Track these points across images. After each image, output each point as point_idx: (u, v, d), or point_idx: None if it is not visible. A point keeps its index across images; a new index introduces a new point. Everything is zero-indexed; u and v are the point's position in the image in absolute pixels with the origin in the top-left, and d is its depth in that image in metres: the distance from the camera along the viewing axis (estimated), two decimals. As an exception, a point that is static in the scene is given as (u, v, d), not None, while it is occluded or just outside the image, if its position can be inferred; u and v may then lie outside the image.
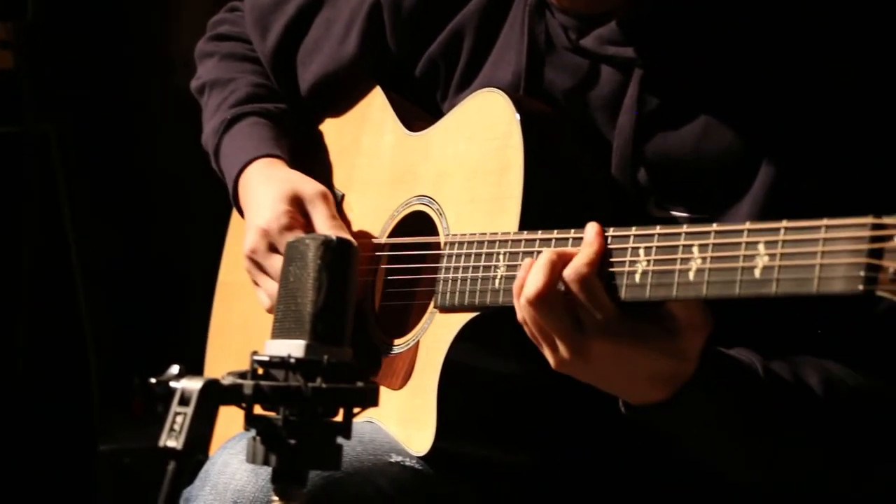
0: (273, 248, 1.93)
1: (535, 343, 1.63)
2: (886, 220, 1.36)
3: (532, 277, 1.60)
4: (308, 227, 1.94)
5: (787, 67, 1.71)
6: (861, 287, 1.37)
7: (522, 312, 1.62)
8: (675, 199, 1.76)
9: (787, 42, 1.72)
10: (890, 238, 1.35)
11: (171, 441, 1.40)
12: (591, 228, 1.62)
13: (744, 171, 1.70)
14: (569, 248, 1.63)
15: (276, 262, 1.91)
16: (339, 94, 2.07)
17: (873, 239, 1.37)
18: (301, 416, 1.43)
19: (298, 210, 1.95)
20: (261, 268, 1.95)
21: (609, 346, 1.59)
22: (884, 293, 1.35)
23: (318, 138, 2.12)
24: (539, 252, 1.67)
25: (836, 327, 1.66)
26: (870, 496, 1.71)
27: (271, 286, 1.94)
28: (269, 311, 1.97)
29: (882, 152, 1.65)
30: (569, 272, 1.59)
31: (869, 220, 1.38)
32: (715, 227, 1.51)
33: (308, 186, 1.97)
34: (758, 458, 1.66)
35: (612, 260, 1.59)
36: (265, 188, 1.98)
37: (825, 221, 1.41)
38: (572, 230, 1.66)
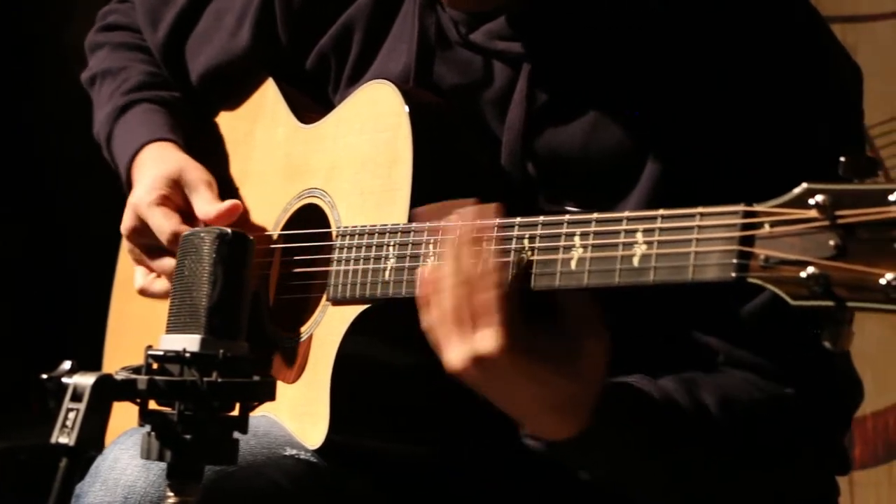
0: (143, 224, 1.92)
1: (434, 346, 1.60)
2: (758, 208, 1.38)
3: (429, 277, 1.58)
4: (185, 211, 1.93)
5: (671, 64, 1.73)
6: (733, 274, 1.39)
7: (421, 312, 1.59)
8: (565, 194, 1.77)
9: (670, 39, 1.74)
10: (761, 226, 1.37)
11: (64, 437, 1.40)
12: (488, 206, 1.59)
13: (631, 166, 1.72)
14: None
15: (141, 237, 1.91)
16: (231, 87, 2.07)
17: (745, 227, 1.39)
18: (196, 411, 1.43)
19: (177, 192, 1.94)
20: (134, 245, 1.95)
21: (506, 358, 1.55)
22: (755, 280, 1.37)
23: (212, 130, 2.11)
24: (427, 242, 1.68)
25: (720, 318, 1.68)
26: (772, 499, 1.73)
27: (147, 264, 1.93)
28: (141, 291, 1.96)
29: (759, 145, 1.67)
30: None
31: (741, 207, 1.40)
32: (595, 215, 1.53)
33: (195, 173, 1.96)
34: (658, 483, 1.66)
35: (500, 248, 1.58)
36: (153, 169, 1.97)
37: (699, 210, 1.43)
38: (461, 222, 1.66)
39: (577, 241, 1.54)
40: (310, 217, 1.92)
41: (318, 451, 1.81)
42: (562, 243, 1.55)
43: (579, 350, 1.56)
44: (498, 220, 1.61)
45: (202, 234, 1.49)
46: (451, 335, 1.57)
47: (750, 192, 1.42)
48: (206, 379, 1.42)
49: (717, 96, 1.70)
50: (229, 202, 1.95)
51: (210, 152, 2.07)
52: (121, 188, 2.06)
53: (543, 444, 1.62)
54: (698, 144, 1.70)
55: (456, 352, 1.57)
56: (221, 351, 1.43)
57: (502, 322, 1.54)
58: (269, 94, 2.03)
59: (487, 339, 1.55)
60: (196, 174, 1.96)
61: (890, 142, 2.66)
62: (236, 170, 2.06)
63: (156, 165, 1.97)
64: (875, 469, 2.69)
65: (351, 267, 1.79)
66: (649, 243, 1.47)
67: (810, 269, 1.33)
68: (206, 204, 1.94)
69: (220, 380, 1.42)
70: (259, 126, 2.04)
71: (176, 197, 1.94)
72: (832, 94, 1.72)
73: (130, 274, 2.19)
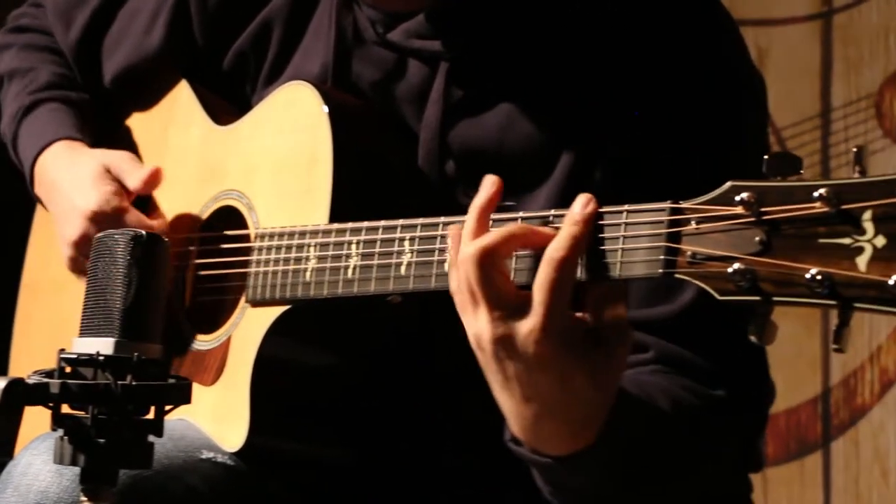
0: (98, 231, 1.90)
1: (459, 308, 1.47)
2: (684, 205, 1.40)
3: (482, 235, 1.47)
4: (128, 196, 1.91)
5: (584, 62, 1.74)
6: (660, 270, 1.40)
7: (454, 269, 1.47)
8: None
9: (584, 38, 1.75)
10: (688, 222, 1.38)
11: (-27, 443, 1.37)
12: (585, 204, 1.47)
13: (545, 160, 1.73)
14: (539, 230, 1.47)
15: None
16: (145, 88, 2.04)
17: (672, 223, 1.40)
18: (111, 415, 1.41)
19: (116, 183, 1.92)
20: (81, 254, 1.92)
21: (540, 346, 1.44)
22: (682, 276, 1.38)
23: (124, 132, 2.08)
24: (349, 242, 1.67)
25: (651, 313, 1.69)
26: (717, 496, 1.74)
27: None
28: None
29: (677, 142, 1.69)
30: (555, 252, 1.43)
31: (667, 205, 1.41)
32: (521, 214, 1.53)
33: (113, 156, 1.94)
34: (625, 497, 1.62)
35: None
36: (75, 170, 1.94)
37: (626, 207, 1.44)
38: (381, 222, 1.66)
39: None
40: (227, 219, 1.90)
41: (236, 454, 1.79)
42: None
43: (610, 356, 1.47)
44: (420, 220, 1.61)
45: (116, 236, 1.47)
46: (476, 301, 1.45)
47: (657, 187, 1.44)
48: (120, 382, 1.40)
49: (626, 93, 1.71)
50: (149, 167, 1.92)
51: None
52: (25, 190, 2.03)
53: (531, 452, 1.53)
54: (608, 141, 1.71)
55: (480, 320, 1.46)
56: (136, 354, 1.41)
57: (550, 302, 1.43)
58: (182, 95, 2.01)
59: (529, 316, 1.43)
60: (116, 156, 1.94)
61: (801, 143, 2.70)
62: (150, 172, 2.04)
63: (78, 166, 1.94)
64: (787, 465, 2.73)
65: (270, 268, 1.78)
66: (576, 240, 1.47)
67: (737, 265, 1.34)
68: (132, 177, 1.91)
69: (134, 383, 1.40)
70: (172, 127, 2.02)
71: (123, 191, 1.92)
72: (746, 90, 1.75)
73: (38, 276, 2.15)
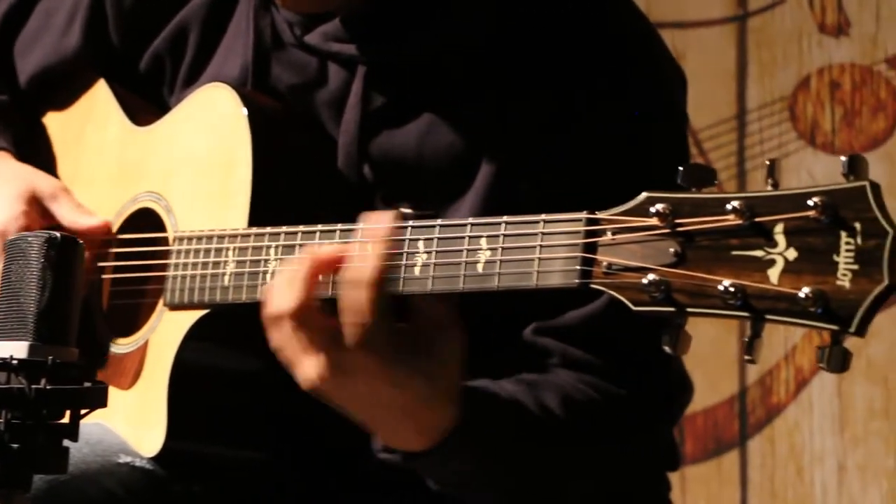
0: None
1: (286, 363, 1.55)
2: (600, 216, 1.40)
3: (284, 295, 1.53)
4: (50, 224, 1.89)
5: (504, 69, 1.74)
6: (576, 281, 1.40)
7: (269, 330, 1.54)
8: (401, 195, 1.77)
9: (504, 45, 1.75)
10: (604, 233, 1.39)
11: None
12: (386, 223, 1.53)
13: (465, 169, 1.73)
14: (324, 256, 1.54)
15: None
16: (62, 88, 2.02)
17: (588, 234, 1.41)
18: (25, 419, 1.40)
19: (37, 209, 1.89)
20: None
21: (371, 362, 1.51)
22: (598, 286, 1.39)
23: (42, 133, 2.06)
24: (267, 247, 1.67)
25: (557, 319, 1.71)
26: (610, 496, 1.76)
27: None
28: None
29: (596, 152, 1.70)
30: (355, 275, 1.50)
31: (584, 215, 1.41)
32: (440, 221, 1.53)
33: (45, 183, 1.91)
34: (506, 494, 1.67)
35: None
36: (2, 189, 1.91)
37: (543, 217, 1.45)
38: (300, 227, 1.66)
39: (421, 246, 1.54)
40: (145, 221, 1.89)
41: (154, 459, 1.78)
42: (405, 250, 1.55)
43: (434, 350, 1.54)
44: (340, 226, 1.61)
45: (29, 239, 1.46)
46: (302, 348, 1.53)
47: (579, 197, 1.45)
48: (34, 386, 1.39)
49: (547, 101, 1.72)
50: (101, 219, 1.89)
51: (40, 155, 2.02)
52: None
53: (399, 456, 1.60)
54: (530, 150, 1.72)
55: (309, 363, 1.53)
56: (50, 357, 1.40)
57: (369, 323, 1.50)
58: (100, 96, 1.99)
59: (349, 341, 1.51)
60: (47, 184, 1.90)
61: (717, 145, 2.73)
62: (66, 173, 2.01)
63: (1, 182, 1.91)
64: (705, 464, 2.76)
65: (189, 272, 1.76)
66: (493, 249, 1.48)
67: (651, 276, 1.35)
68: (73, 213, 1.88)
69: (48, 387, 1.39)
70: (90, 128, 2.00)
71: (37, 215, 1.88)
72: (662, 101, 1.76)
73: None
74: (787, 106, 2.64)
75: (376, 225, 1.52)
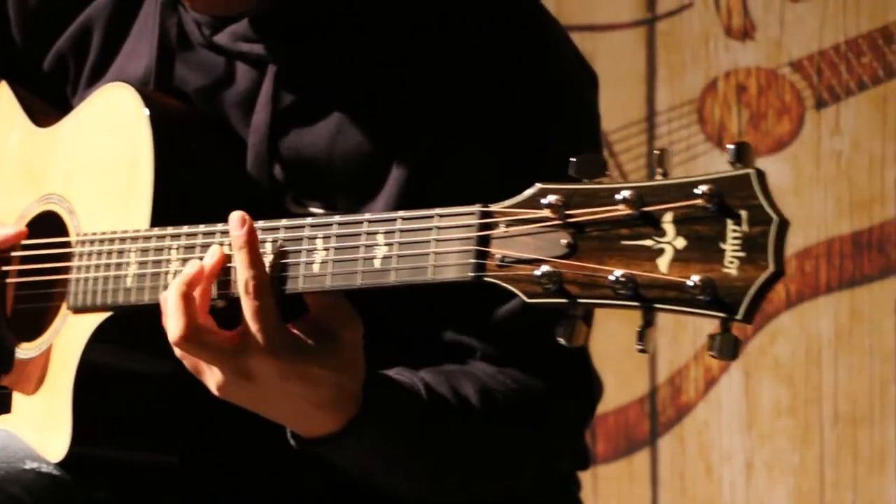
0: None
1: (198, 376, 1.59)
2: (493, 209, 1.41)
3: (170, 322, 1.57)
4: None
5: (412, 69, 1.75)
6: (471, 274, 1.41)
7: (176, 352, 1.59)
8: (312, 196, 1.77)
9: (411, 45, 1.76)
10: (497, 226, 1.40)
11: None
12: (237, 222, 1.57)
13: (376, 169, 1.73)
14: (205, 268, 1.58)
15: None
16: (-38, 90, 2.00)
17: (482, 227, 1.41)
18: (-76, 426, 1.38)
19: None
20: None
21: (273, 364, 1.55)
22: (492, 279, 1.40)
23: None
24: (169, 248, 1.66)
25: (475, 316, 1.71)
26: (527, 487, 1.76)
27: None
28: None
29: (505, 152, 1.71)
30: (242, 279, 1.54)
31: (477, 208, 1.42)
32: (337, 218, 1.53)
33: None
34: (423, 478, 1.68)
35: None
36: None
37: (437, 211, 1.45)
38: (201, 227, 1.65)
39: (319, 243, 1.54)
40: (49, 223, 1.87)
41: (60, 464, 1.76)
42: (304, 247, 1.55)
43: (337, 341, 1.56)
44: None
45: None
46: (204, 362, 1.57)
47: (491, 194, 1.45)
48: (-62, 393, 1.37)
49: (456, 101, 1.72)
50: (14, 229, 1.87)
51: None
52: None
53: (310, 444, 1.62)
54: (441, 149, 1.72)
55: (213, 375, 1.57)
56: (-47, 363, 1.39)
57: (261, 329, 1.54)
58: (2, 98, 1.97)
59: (251, 348, 1.54)
60: None
61: (627, 147, 2.75)
62: (-32, 176, 2.00)
63: None
64: (616, 463, 2.78)
65: (91, 274, 1.75)
66: (390, 245, 1.48)
67: (544, 268, 1.36)
68: None
69: (-51, 393, 1.38)
70: (-7, 131, 1.98)
71: None
72: (568, 100, 1.77)
73: None
74: (696, 108, 2.67)
75: (236, 231, 1.56)
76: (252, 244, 1.55)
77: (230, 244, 1.57)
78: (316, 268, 1.54)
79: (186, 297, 1.56)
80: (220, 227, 1.64)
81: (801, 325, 2.61)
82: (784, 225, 1.28)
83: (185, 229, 1.66)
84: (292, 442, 1.63)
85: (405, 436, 1.64)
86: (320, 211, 1.76)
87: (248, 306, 1.54)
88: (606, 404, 2.70)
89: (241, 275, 1.54)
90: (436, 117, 1.72)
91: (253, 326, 1.54)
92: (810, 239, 2.57)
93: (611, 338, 2.65)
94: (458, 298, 1.67)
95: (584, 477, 1.97)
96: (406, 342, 1.73)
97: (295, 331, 1.55)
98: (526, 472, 1.75)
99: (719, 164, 2.49)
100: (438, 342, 1.73)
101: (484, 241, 1.40)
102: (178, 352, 1.58)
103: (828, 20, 2.57)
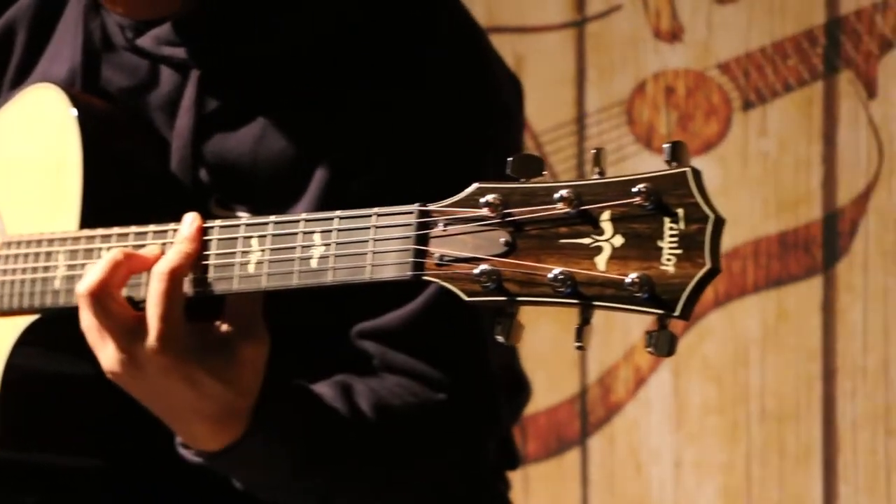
0: None
1: (91, 343, 1.59)
2: (432, 207, 1.41)
3: (90, 272, 1.57)
4: None
5: (336, 73, 1.75)
6: (409, 273, 1.41)
7: (80, 310, 1.58)
8: (237, 199, 1.76)
9: (335, 50, 1.76)
10: (435, 224, 1.40)
11: None
12: (192, 222, 1.58)
13: (299, 174, 1.73)
14: (141, 252, 1.59)
15: None
16: None
17: (420, 226, 1.41)
18: None
19: None
20: None
21: (161, 359, 1.55)
22: (430, 278, 1.40)
23: None
24: (98, 249, 1.64)
25: (376, 321, 1.71)
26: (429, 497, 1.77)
27: None
28: None
29: (427, 155, 1.71)
30: (161, 268, 1.55)
31: (415, 207, 1.42)
32: (273, 218, 1.53)
33: None
34: (317, 492, 1.68)
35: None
36: None
37: (375, 210, 1.45)
38: (133, 228, 1.64)
39: (254, 243, 1.53)
40: (-26, 227, 1.85)
41: (-15, 469, 1.74)
42: (239, 248, 1.54)
43: (237, 355, 1.56)
44: (173, 225, 1.59)
45: None
46: (100, 332, 1.57)
47: (413, 198, 1.45)
48: None
49: (378, 104, 1.73)
50: None
51: None
52: None
53: (197, 454, 1.62)
54: (363, 153, 1.72)
55: (107, 349, 1.57)
56: None
57: (160, 318, 1.54)
58: (-74, 101, 1.95)
59: (148, 333, 1.54)
60: None
61: (557, 148, 2.77)
62: None
63: None
64: (547, 462, 2.79)
65: (18, 277, 1.73)
66: (327, 244, 1.48)
67: (483, 266, 1.36)
68: None
69: None
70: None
71: None
72: (492, 102, 1.78)
73: None
74: (625, 110, 2.69)
75: (187, 224, 1.56)
76: (195, 243, 1.55)
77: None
78: (251, 268, 1.53)
79: (116, 263, 1.56)
80: (152, 228, 1.63)
81: (729, 325, 2.63)
82: (720, 222, 1.29)
83: (116, 231, 1.65)
84: (179, 450, 1.63)
85: (293, 458, 1.63)
86: (245, 215, 1.75)
87: (153, 291, 1.54)
88: (537, 404, 2.70)
89: (162, 261, 1.54)
90: (358, 121, 1.72)
91: (153, 313, 1.54)
92: (738, 239, 2.59)
93: (541, 338, 2.66)
94: (359, 307, 1.68)
95: (515, 477, 1.98)
96: (306, 352, 1.73)
97: (196, 333, 1.55)
98: (427, 485, 1.75)
99: (649, 164, 2.51)
100: (339, 351, 1.73)
101: (422, 239, 1.40)
102: (83, 312, 1.57)
103: (754, 23, 2.60)
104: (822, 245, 2.58)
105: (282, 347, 1.64)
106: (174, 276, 1.54)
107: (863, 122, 2.56)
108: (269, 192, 1.74)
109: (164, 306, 1.53)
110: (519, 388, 1.96)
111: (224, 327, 1.56)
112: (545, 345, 2.66)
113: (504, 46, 1.91)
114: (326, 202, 1.69)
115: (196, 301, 1.56)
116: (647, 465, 2.68)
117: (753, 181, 2.58)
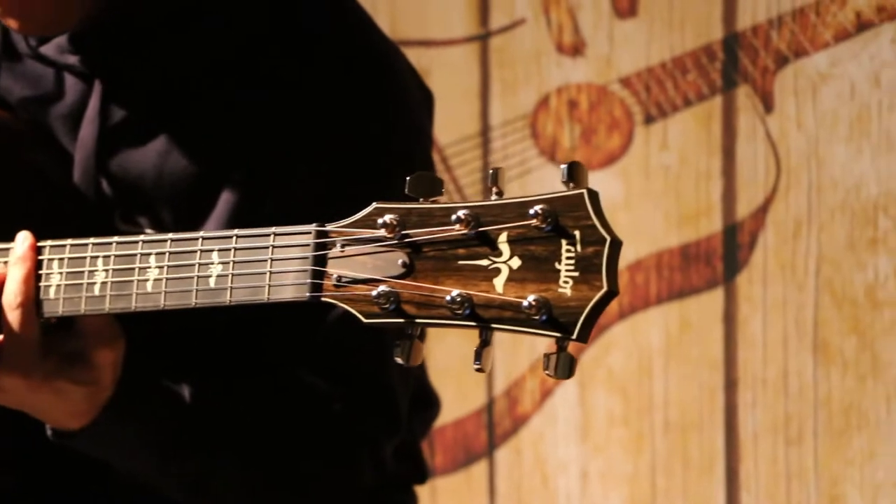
0: None
1: None
2: (329, 228, 1.41)
3: None
4: None
5: (242, 86, 1.74)
6: (308, 294, 1.41)
7: None
8: (141, 213, 1.75)
9: (241, 62, 1.75)
10: (333, 245, 1.40)
11: None
12: (24, 242, 1.59)
13: (206, 190, 1.72)
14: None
15: None
16: None
17: (318, 247, 1.41)
18: None
19: None
20: None
21: (22, 382, 1.58)
22: (329, 299, 1.40)
23: None
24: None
25: (279, 335, 1.71)
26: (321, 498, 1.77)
27: None
28: None
29: (335, 172, 1.71)
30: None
31: (313, 227, 1.42)
32: (171, 236, 1.52)
33: None
34: (186, 479, 1.69)
35: (41, 273, 1.58)
36: None
37: (274, 230, 1.45)
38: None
39: (152, 262, 1.52)
40: None
41: None
42: (137, 265, 1.53)
43: (95, 361, 1.60)
44: (70, 241, 1.58)
45: None
46: None
47: (323, 215, 1.45)
48: None
49: (285, 120, 1.72)
50: None
51: None
52: None
53: (55, 436, 1.66)
54: (271, 170, 1.71)
55: None
56: None
57: (15, 346, 1.57)
58: None
59: (3, 361, 1.57)
60: None
61: (462, 161, 2.77)
62: None
63: None
64: (455, 475, 2.79)
65: None
66: (225, 263, 1.47)
67: (381, 288, 1.36)
68: None
69: None
70: None
71: None
72: (401, 119, 1.78)
73: None
74: (529, 123, 2.70)
75: (18, 246, 1.58)
76: (28, 262, 1.56)
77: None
78: (149, 286, 1.52)
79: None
80: (49, 243, 1.61)
81: (633, 337, 2.65)
82: (616, 245, 1.30)
83: (8, 246, 1.63)
84: (49, 433, 1.67)
85: (155, 442, 1.67)
86: (150, 230, 1.74)
87: (8, 320, 1.56)
88: (444, 417, 2.70)
89: (9, 289, 1.55)
90: (266, 139, 1.71)
91: (8, 342, 1.56)
92: (641, 252, 2.61)
93: (449, 351, 2.67)
94: (262, 314, 1.67)
95: (423, 490, 1.98)
96: (202, 357, 1.73)
97: (55, 348, 1.59)
98: (314, 488, 1.75)
99: (554, 177, 2.52)
100: (240, 360, 1.73)
101: (320, 260, 1.40)
102: None
103: (654, 38, 2.62)
104: (723, 257, 2.61)
105: (171, 350, 1.65)
106: (21, 307, 1.56)
107: (761, 136, 2.59)
108: (174, 208, 1.72)
109: (16, 337, 1.56)
110: (428, 402, 1.96)
111: (79, 336, 1.59)
112: (453, 358, 2.66)
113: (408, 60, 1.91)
114: (237, 220, 1.68)
115: (63, 320, 1.58)
116: (554, 476, 2.69)
117: (655, 194, 2.60)
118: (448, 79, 2.71)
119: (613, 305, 2.60)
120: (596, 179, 2.58)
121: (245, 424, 1.69)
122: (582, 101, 2.66)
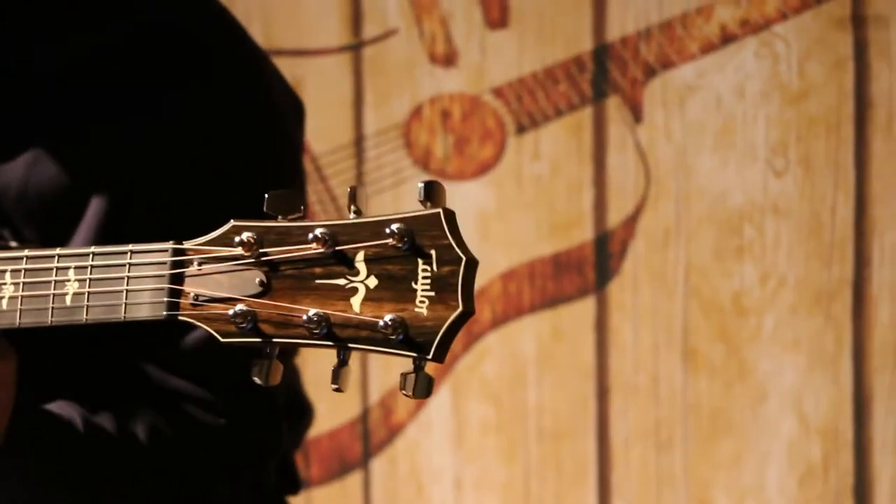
0: None
1: None
2: (186, 246, 1.40)
3: None
4: None
5: (108, 95, 1.72)
6: (164, 313, 1.39)
7: None
8: (8, 227, 1.72)
9: (106, 71, 1.73)
10: (190, 263, 1.39)
11: None
12: None
13: (74, 204, 1.70)
14: None
15: None
16: None
17: (175, 264, 1.40)
18: None
19: None
20: None
21: None
22: (186, 318, 1.38)
23: None
24: None
25: (158, 348, 1.69)
26: None
27: None
28: None
29: (200, 184, 1.70)
30: None
31: (170, 245, 1.40)
32: (27, 252, 1.50)
33: None
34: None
35: None
36: None
37: (130, 247, 1.43)
38: None
39: (7, 278, 1.50)
40: None
41: None
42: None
43: None
44: None
45: None
46: None
47: (191, 230, 1.44)
48: None
49: (153, 132, 1.70)
50: None
51: None
52: None
53: None
54: (138, 182, 1.70)
55: None
56: None
57: None
58: None
59: None
60: None
61: (337, 171, 2.77)
62: None
63: None
64: (330, 485, 2.79)
65: None
66: (81, 281, 1.45)
67: (238, 307, 1.36)
68: None
69: None
70: None
71: None
72: (270, 132, 1.77)
73: None
74: (402, 133, 2.70)
75: None
76: None
77: None
78: (4, 304, 1.49)
79: None
80: None
81: (506, 345, 2.67)
82: (472, 264, 1.30)
83: None
84: None
85: (50, 475, 1.63)
86: (14, 244, 1.71)
87: None
88: (320, 427, 2.70)
89: None
90: (131, 151, 1.70)
91: None
92: (514, 260, 2.63)
93: (324, 361, 2.66)
94: (143, 332, 1.65)
95: (297, 501, 1.98)
96: (83, 372, 1.71)
97: None
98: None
99: (426, 188, 2.52)
100: (118, 372, 1.72)
101: (177, 278, 1.39)
102: None
103: (525, 48, 2.64)
104: (595, 266, 2.63)
105: (59, 371, 1.62)
106: None
107: (630, 147, 2.62)
108: (42, 222, 1.70)
109: None
110: (302, 411, 1.96)
111: None
112: (327, 368, 2.65)
113: (282, 69, 1.90)
114: (105, 235, 1.66)
115: None
116: (429, 485, 2.70)
117: (527, 203, 2.62)
118: (322, 88, 2.70)
119: (486, 314, 2.61)
120: (469, 189, 2.59)
121: (136, 451, 1.66)
122: (455, 110, 2.66)
